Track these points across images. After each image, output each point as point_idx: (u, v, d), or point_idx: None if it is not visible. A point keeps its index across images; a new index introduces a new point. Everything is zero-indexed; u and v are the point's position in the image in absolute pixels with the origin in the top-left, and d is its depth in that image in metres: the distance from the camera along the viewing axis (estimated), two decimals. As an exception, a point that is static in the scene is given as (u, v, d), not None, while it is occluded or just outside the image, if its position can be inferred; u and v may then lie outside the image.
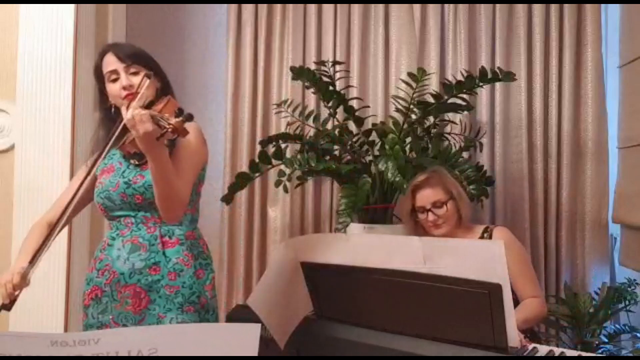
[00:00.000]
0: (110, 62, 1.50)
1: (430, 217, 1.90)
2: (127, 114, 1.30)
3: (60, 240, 2.05)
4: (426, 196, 1.92)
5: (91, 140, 1.62)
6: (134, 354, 0.86)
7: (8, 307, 1.39)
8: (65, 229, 2.06)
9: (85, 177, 1.49)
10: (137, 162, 1.51)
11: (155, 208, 1.47)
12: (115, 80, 1.49)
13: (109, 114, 1.54)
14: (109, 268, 1.48)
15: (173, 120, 1.24)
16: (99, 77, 1.53)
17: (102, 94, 1.55)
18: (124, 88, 1.47)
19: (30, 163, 2.07)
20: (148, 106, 1.45)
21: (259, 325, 0.94)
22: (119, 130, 1.42)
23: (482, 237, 1.89)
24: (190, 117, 1.25)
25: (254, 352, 0.92)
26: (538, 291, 1.83)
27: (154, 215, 1.49)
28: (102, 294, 1.48)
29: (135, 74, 1.49)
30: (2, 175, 2.11)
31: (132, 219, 1.50)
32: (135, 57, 1.51)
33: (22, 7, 2.09)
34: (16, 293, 1.39)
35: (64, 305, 2.04)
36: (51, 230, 1.46)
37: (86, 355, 0.84)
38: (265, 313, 1.47)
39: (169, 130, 1.24)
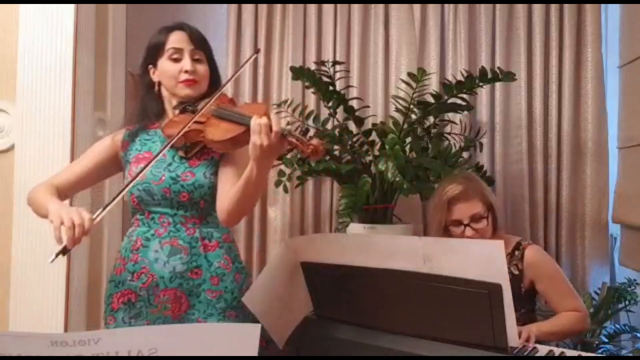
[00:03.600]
0: (179, 40, 1.44)
1: (468, 232, 1.72)
2: (256, 120, 1.20)
3: (60, 240, 2.05)
4: (465, 209, 1.73)
5: (129, 114, 1.55)
6: (134, 354, 0.86)
7: (67, 251, 1.23)
8: (65, 229, 2.06)
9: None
10: (183, 155, 1.44)
11: (197, 208, 1.43)
12: (176, 60, 1.43)
13: (151, 92, 1.49)
14: (146, 271, 1.40)
15: (315, 141, 1.19)
16: (156, 51, 1.46)
17: (146, 69, 1.49)
18: (186, 72, 1.43)
19: (30, 163, 2.06)
20: (201, 97, 1.43)
21: (259, 325, 0.94)
22: (192, 121, 1.34)
23: (512, 256, 1.76)
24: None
25: (254, 352, 0.92)
26: (578, 305, 1.70)
27: (194, 216, 1.43)
28: (137, 299, 1.40)
29: (199, 61, 1.46)
30: (2, 175, 2.10)
31: (169, 218, 1.42)
32: (204, 45, 1.47)
33: (22, 7, 2.08)
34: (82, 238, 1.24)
35: (63, 306, 2.04)
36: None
37: (86, 355, 0.84)
38: (262, 312, 1.47)
39: (308, 151, 1.19)
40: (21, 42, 2.08)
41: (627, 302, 2.37)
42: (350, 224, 2.25)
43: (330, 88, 2.41)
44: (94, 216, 1.25)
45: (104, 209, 1.27)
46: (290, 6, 2.80)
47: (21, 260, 2.06)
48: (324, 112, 2.61)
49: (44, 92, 2.07)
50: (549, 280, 1.73)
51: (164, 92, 1.49)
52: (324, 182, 2.78)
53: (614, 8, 2.64)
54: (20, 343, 0.84)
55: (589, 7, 2.61)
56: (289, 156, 2.48)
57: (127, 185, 1.33)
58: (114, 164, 1.51)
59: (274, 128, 1.20)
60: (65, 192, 1.47)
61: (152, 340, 0.88)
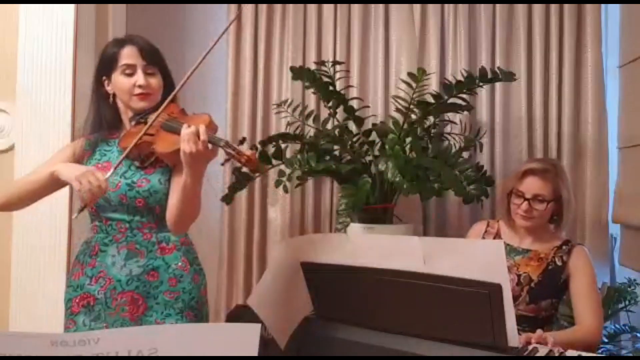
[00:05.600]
0: (130, 56, 1.45)
1: (525, 206, 1.78)
2: (185, 129, 1.26)
3: (60, 240, 2.06)
4: (534, 185, 1.78)
5: (84, 123, 1.55)
6: (134, 354, 0.86)
7: (83, 210, 1.31)
8: (65, 229, 2.06)
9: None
10: (139, 165, 1.47)
11: (153, 214, 1.46)
12: (129, 75, 1.45)
13: (107, 103, 1.50)
14: (104, 275, 1.44)
15: (248, 152, 1.26)
16: (109, 64, 1.47)
17: (100, 80, 1.50)
18: (140, 86, 1.44)
19: (30, 163, 2.06)
20: (156, 108, 1.45)
21: (259, 325, 0.94)
22: (142, 134, 1.38)
23: (559, 249, 1.82)
24: (256, 149, 1.28)
25: (254, 352, 0.92)
26: (597, 319, 1.74)
27: (150, 221, 1.47)
28: (95, 302, 1.44)
29: (152, 75, 1.47)
30: (2, 175, 2.11)
31: (126, 224, 1.46)
32: (156, 58, 1.49)
33: (22, 7, 2.09)
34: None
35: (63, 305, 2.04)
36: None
37: (86, 355, 0.84)
38: (265, 313, 1.47)
39: (242, 160, 1.26)
40: (21, 42, 2.09)
41: (627, 302, 2.36)
42: (350, 224, 2.25)
43: (330, 88, 2.41)
44: (107, 176, 1.34)
45: (114, 168, 1.36)
46: (290, 6, 2.80)
47: (21, 260, 2.06)
48: (324, 112, 2.61)
49: (44, 92, 2.07)
50: (580, 280, 1.78)
51: (120, 104, 1.51)
52: (324, 182, 2.77)
53: (614, 8, 2.64)
54: (20, 343, 0.84)
55: (589, 7, 2.61)
56: (288, 156, 2.49)
57: (123, 156, 1.39)
58: None
59: (201, 136, 1.25)
60: (30, 197, 1.49)
61: (152, 340, 0.88)
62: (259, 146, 2.51)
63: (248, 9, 2.82)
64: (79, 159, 1.52)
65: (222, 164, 1.34)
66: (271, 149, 2.45)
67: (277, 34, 2.83)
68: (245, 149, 1.28)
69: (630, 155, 2.37)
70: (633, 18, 2.38)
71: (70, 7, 2.08)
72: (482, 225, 2.00)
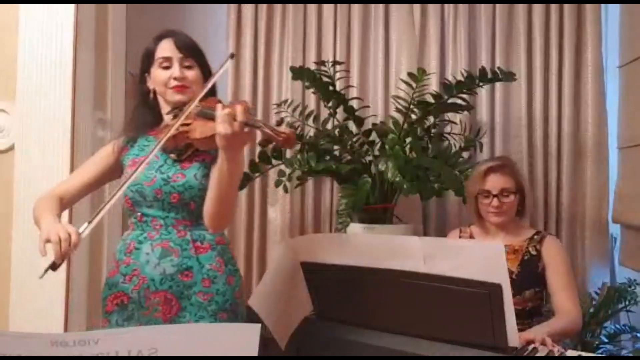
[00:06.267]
0: (167, 49, 1.46)
1: (495, 202, 1.88)
2: (223, 110, 1.19)
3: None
4: (497, 181, 1.89)
5: (125, 123, 1.58)
6: (134, 354, 0.86)
7: (57, 267, 1.25)
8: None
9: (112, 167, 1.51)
10: (175, 158, 1.45)
11: (188, 210, 1.43)
12: (166, 68, 1.46)
13: (147, 99, 1.52)
14: (138, 273, 1.41)
15: (287, 130, 1.18)
16: (148, 59, 1.50)
17: (143, 77, 1.52)
18: (175, 78, 1.44)
19: (30, 163, 2.06)
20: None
21: (259, 325, 0.94)
22: (178, 124, 1.35)
23: (532, 239, 1.89)
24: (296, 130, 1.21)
25: (254, 352, 0.92)
26: (577, 307, 1.81)
27: (185, 218, 1.44)
28: (129, 301, 1.41)
29: (189, 67, 1.47)
30: (2, 175, 2.10)
31: (161, 221, 1.43)
32: (193, 51, 1.49)
33: (22, 7, 2.08)
34: (70, 253, 1.26)
35: (63, 306, 2.04)
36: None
37: (86, 356, 0.84)
38: (265, 313, 1.47)
39: (280, 139, 1.18)
40: (21, 42, 2.08)
41: (627, 302, 2.36)
42: (350, 224, 2.25)
43: (330, 88, 2.41)
44: (80, 230, 1.27)
45: (89, 222, 1.28)
46: (290, 6, 2.81)
47: (21, 260, 2.06)
48: (324, 112, 2.61)
49: (44, 92, 2.07)
50: (556, 270, 1.84)
51: (160, 99, 1.52)
52: (324, 182, 2.78)
53: (614, 8, 2.64)
54: (20, 343, 0.84)
55: (588, 7, 2.61)
56: (288, 156, 2.49)
57: (112, 197, 1.32)
58: (115, 170, 1.55)
59: (238, 118, 1.19)
60: (70, 200, 1.50)
61: (152, 340, 0.88)
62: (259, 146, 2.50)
63: (248, 9, 2.82)
64: (118, 155, 1.54)
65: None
66: (271, 149, 2.45)
67: (277, 34, 2.83)
68: (283, 128, 1.20)
69: (630, 155, 2.37)
70: (633, 18, 2.38)
71: (70, 7, 2.08)
72: (456, 233, 2.07)
